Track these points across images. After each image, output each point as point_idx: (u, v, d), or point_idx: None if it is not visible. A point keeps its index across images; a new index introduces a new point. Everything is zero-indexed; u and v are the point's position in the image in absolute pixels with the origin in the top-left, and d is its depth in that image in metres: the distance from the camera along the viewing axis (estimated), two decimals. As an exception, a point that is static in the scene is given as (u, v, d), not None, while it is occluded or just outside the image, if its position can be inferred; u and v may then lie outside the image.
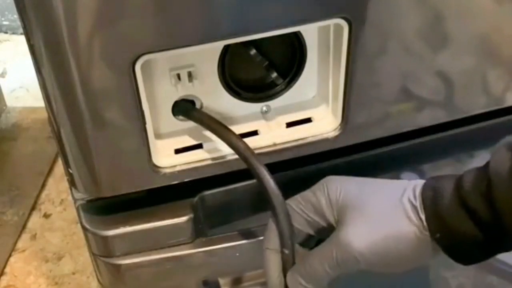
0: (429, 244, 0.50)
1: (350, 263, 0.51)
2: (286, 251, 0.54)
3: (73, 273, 1.23)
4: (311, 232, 0.56)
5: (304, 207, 0.55)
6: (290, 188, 0.69)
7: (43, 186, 1.42)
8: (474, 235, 0.47)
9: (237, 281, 0.70)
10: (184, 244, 0.64)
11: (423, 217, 0.49)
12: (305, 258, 0.54)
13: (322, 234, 0.55)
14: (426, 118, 0.65)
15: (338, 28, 0.55)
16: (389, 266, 0.52)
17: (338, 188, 0.54)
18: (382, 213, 0.51)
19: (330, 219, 0.54)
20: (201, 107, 0.59)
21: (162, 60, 0.54)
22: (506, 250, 0.49)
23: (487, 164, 0.48)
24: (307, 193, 0.55)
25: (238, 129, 0.61)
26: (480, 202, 0.47)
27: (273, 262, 0.55)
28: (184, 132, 0.60)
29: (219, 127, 0.56)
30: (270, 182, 0.54)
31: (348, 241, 0.51)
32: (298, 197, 0.56)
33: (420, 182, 0.52)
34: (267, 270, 0.56)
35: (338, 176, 0.56)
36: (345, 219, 0.52)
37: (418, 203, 0.50)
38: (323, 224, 0.54)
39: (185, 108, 0.58)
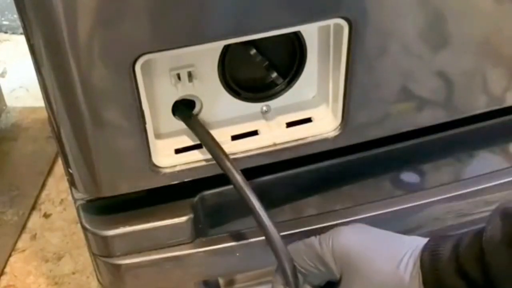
0: None
1: None
2: None
3: (73, 273, 1.23)
4: (316, 274, 0.57)
5: (308, 256, 0.56)
6: (290, 188, 0.69)
7: (43, 186, 1.41)
8: None
9: (237, 281, 0.70)
10: (184, 244, 0.64)
11: (419, 281, 0.50)
12: None
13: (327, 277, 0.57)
14: (426, 118, 0.65)
15: (338, 28, 0.55)
16: None
17: (342, 243, 0.55)
18: (381, 278, 0.52)
19: (333, 270, 0.55)
20: (201, 107, 0.59)
21: (162, 60, 0.54)
22: None
23: (482, 231, 0.48)
24: (313, 242, 0.56)
25: (238, 129, 0.61)
26: (475, 269, 0.47)
27: None
28: (184, 132, 0.60)
29: (216, 153, 0.57)
30: (274, 232, 0.55)
31: None
32: (301, 243, 0.57)
33: (422, 243, 0.53)
34: None
35: (346, 229, 0.57)
36: (346, 277, 0.54)
37: (416, 269, 0.51)
38: (326, 271, 0.56)
39: (183, 115, 0.59)
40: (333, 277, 0.56)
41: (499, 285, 0.46)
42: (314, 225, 0.66)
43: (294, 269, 0.56)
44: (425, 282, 0.50)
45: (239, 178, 0.55)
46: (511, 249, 0.45)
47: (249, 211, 0.55)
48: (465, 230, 0.52)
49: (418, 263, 0.51)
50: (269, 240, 0.55)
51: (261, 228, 0.55)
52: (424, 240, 0.53)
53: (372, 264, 0.53)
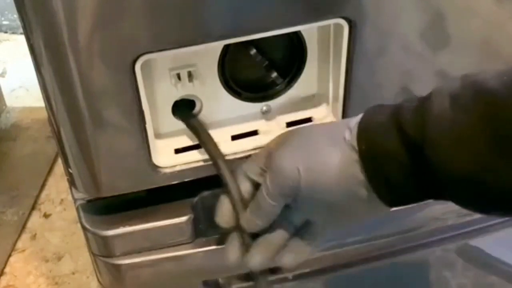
0: (357, 166, 0.46)
1: (286, 186, 0.49)
2: (235, 196, 0.54)
3: (73, 273, 1.23)
4: None
5: (258, 158, 0.53)
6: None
7: (43, 186, 1.41)
8: (399, 154, 0.44)
9: (237, 281, 0.70)
10: (184, 244, 0.64)
11: (354, 132, 0.47)
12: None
13: None
14: (426, 118, 0.65)
15: (338, 28, 0.55)
16: (324, 192, 0.49)
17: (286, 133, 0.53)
18: (317, 137, 0.50)
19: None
20: (201, 107, 0.59)
21: (162, 60, 0.54)
22: (432, 196, 0.47)
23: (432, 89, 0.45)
24: (262, 150, 0.54)
25: (238, 129, 0.61)
26: (414, 125, 0.44)
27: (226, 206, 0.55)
28: (184, 132, 0.60)
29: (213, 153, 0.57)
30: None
31: (279, 160, 0.49)
32: (258, 153, 0.54)
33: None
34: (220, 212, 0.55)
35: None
36: (280, 144, 0.51)
37: (353, 123, 0.48)
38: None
39: (183, 115, 0.59)
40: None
41: (429, 133, 0.42)
42: (314, 225, 0.66)
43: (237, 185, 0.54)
44: (359, 131, 0.47)
45: (232, 183, 0.55)
46: (452, 97, 0.42)
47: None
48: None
49: (357, 121, 0.48)
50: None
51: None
52: None
53: (312, 130, 0.52)
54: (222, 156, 0.56)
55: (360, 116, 0.49)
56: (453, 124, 0.42)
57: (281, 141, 0.52)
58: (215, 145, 0.57)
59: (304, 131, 0.53)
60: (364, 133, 0.47)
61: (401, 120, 0.45)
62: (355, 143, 0.47)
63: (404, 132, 0.44)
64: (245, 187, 0.54)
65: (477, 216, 0.72)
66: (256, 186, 0.53)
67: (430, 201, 0.70)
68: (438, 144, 0.42)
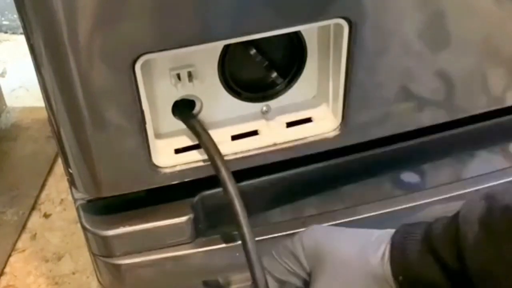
0: None
1: None
2: None
3: (73, 273, 1.23)
4: (295, 282, 0.55)
5: (285, 256, 0.55)
6: (290, 189, 0.69)
7: (43, 186, 1.41)
8: (439, 282, 0.46)
9: (237, 281, 0.70)
10: (184, 244, 0.64)
11: (386, 259, 0.48)
12: None
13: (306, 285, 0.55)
14: (427, 118, 0.65)
15: (338, 28, 0.55)
16: None
17: (311, 235, 0.54)
18: (346, 261, 0.51)
19: (304, 265, 0.54)
20: (201, 107, 0.59)
21: (162, 60, 0.54)
22: None
23: (458, 212, 0.47)
24: (288, 242, 0.56)
25: (238, 129, 0.61)
26: (448, 249, 0.45)
27: None
28: (184, 132, 0.60)
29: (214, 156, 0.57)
30: (250, 237, 0.55)
31: None
32: (280, 245, 0.56)
33: (393, 230, 0.51)
34: None
35: (317, 226, 0.56)
36: (315, 270, 0.52)
37: (383, 247, 0.49)
38: (302, 274, 0.54)
39: (183, 115, 0.59)
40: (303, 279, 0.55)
41: (469, 264, 0.44)
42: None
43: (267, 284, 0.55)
44: (392, 262, 0.48)
45: (231, 185, 0.55)
46: (485, 226, 0.43)
47: (233, 216, 0.55)
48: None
49: (387, 245, 0.49)
50: (245, 250, 0.55)
51: (240, 238, 0.55)
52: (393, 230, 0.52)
53: (338, 250, 0.52)
54: (221, 156, 0.56)
55: (385, 241, 0.50)
56: (495, 257, 0.42)
57: (313, 263, 0.53)
58: (215, 145, 0.57)
59: (336, 262, 0.52)
60: (399, 264, 0.48)
61: (437, 251, 0.46)
62: (389, 274, 0.48)
63: (443, 261, 0.45)
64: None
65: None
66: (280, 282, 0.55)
67: (430, 200, 0.70)
68: (483, 278, 0.43)
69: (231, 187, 0.55)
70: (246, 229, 0.55)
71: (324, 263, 0.52)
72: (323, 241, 0.53)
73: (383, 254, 0.49)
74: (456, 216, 0.46)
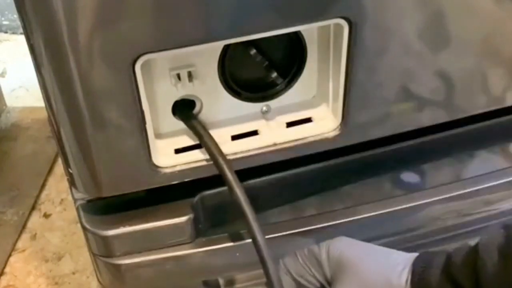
0: None
1: None
2: None
3: (73, 273, 1.23)
4: (312, 286, 0.57)
5: (307, 259, 0.56)
6: (290, 188, 0.69)
7: (43, 186, 1.41)
8: None
9: (237, 281, 0.70)
10: (184, 244, 0.64)
11: (408, 284, 0.50)
12: None
13: None
14: (427, 118, 0.65)
15: (338, 28, 0.55)
16: None
17: (338, 245, 0.55)
18: (369, 282, 0.52)
19: (326, 273, 0.55)
20: (201, 107, 0.59)
21: (162, 60, 0.54)
22: None
23: (478, 242, 0.48)
24: (314, 246, 0.56)
25: (238, 129, 0.61)
26: (468, 278, 0.46)
27: None
28: (184, 132, 0.60)
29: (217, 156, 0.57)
30: (263, 243, 0.55)
31: None
32: (305, 249, 0.57)
33: (415, 255, 0.52)
34: None
35: (345, 237, 0.57)
36: (337, 281, 0.53)
37: (406, 273, 0.50)
38: (321, 280, 0.55)
39: (183, 115, 0.59)
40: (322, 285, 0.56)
41: None
42: (314, 225, 0.66)
43: (280, 281, 0.56)
44: (413, 286, 0.49)
45: (234, 182, 0.55)
46: (504, 256, 0.45)
47: (241, 215, 0.55)
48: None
49: (409, 272, 0.51)
50: (256, 247, 0.55)
51: (250, 234, 0.55)
52: (416, 255, 0.53)
53: (362, 266, 0.53)
54: (222, 154, 0.56)
55: (407, 267, 0.51)
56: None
57: (336, 272, 0.54)
58: (215, 144, 0.57)
59: (359, 277, 0.53)
60: None
61: (457, 280, 0.47)
62: None
63: None
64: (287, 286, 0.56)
65: (477, 216, 0.72)
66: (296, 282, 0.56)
67: (430, 200, 0.70)
68: None
69: (235, 184, 0.55)
70: (253, 224, 0.55)
71: (347, 275, 0.53)
72: (349, 254, 0.54)
73: (406, 279, 0.50)
74: (476, 245, 0.47)
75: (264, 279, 0.56)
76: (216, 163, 0.56)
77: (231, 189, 0.55)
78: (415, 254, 0.53)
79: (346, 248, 0.55)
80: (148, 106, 0.54)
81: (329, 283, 0.55)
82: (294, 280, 0.57)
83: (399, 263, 0.52)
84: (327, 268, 0.55)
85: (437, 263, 0.50)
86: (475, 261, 0.46)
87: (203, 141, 0.57)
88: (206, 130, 0.58)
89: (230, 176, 0.55)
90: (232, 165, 0.57)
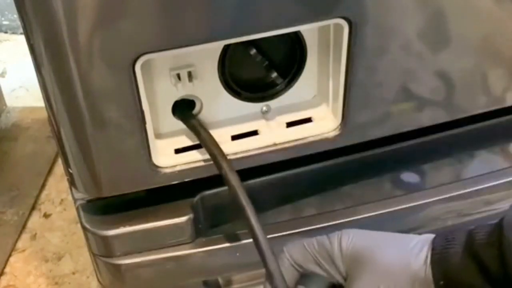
0: None
1: None
2: None
3: (73, 273, 1.23)
4: (318, 278, 0.56)
5: (317, 253, 0.55)
6: (290, 188, 0.69)
7: (43, 186, 1.41)
8: None
9: (237, 281, 0.70)
10: (184, 244, 0.64)
11: (428, 264, 0.49)
12: None
13: (331, 279, 0.55)
14: (427, 118, 0.65)
15: (338, 28, 0.55)
16: None
17: (350, 238, 0.54)
18: (388, 263, 0.51)
19: (340, 267, 0.54)
20: (201, 107, 0.59)
21: (162, 60, 0.54)
22: None
23: (502, 219, 0.47)
24: (323, 238, 0.55)
25: (238, 129, 0.61)
26: (492, 255, 0.45)
27: None
28: (184, 132, 0.60)
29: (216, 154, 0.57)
30: (263, 238, 0.55)
31: None
32: (314, 239, 0.56)
33: (432, 236, 0.51)
34: None
35: (354, 229, 0.56)
36: (353, 273, 0.52)
37: (425, 252, 0.49)
38: (332, 271, 0.54)
39: (183, 115, 0.59)
40: (335, 280, 0.55)
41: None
42: (314, 225, 0.66)
43: (282, 275, 0.55)
44: (434, 267, 0.48)
45: (234, 181, 0.55)
46: None
47: (242, 214, 0.55)
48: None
49: (429, 250, 0.49)
50: (256, 245, 0.55)
51: (251, 234, 0.55)
52: (433, 235, 0.52)
53: (378, 254, 0.52)
54: (223, 153, 0.56)
55: (426, 246, 0.50)
56: None
57: (350, 263, 0.53)
58: (216, 143, 0.57)
59: (377, 266, 0.52)
60: (441, 269, 0.48)
61: (480, 256, 0.46)
62: (431, 279, 0.48)
63: (486, 268, 0.45)
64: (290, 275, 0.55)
65: (477, 216, 0.72)
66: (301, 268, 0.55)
67: (430, 200, 0.70)
68: None
69: (235, 184, 0.55)
70: (253, 220, 0.55)
71: (364, 266, 0.52)
72: (363, 245, 0.53)
73: (425, 258, 0.49)
74: (500, 222, 0.47)
75: (263, 279, 0.56)
76: (216, 163, 0.56)
77: (231, 189, 0.55)
78: (432, 235, 0.52)
79: (359, 240, 0.54)
80: (148, 106, 0.54)
81: (344, 278, 0.54)
82: (299, 266, 0.55)
83: (416, 244, 0.51)
84: (341, 264, 0.54)
85: (458, 241, 0.48)
86: (499, 238, 0.45)
87: (203, 141, 0.57)
88: (206, 130, 0.58)
89: (230, 176, 0.55)
90: (232, 165, 0.57)
